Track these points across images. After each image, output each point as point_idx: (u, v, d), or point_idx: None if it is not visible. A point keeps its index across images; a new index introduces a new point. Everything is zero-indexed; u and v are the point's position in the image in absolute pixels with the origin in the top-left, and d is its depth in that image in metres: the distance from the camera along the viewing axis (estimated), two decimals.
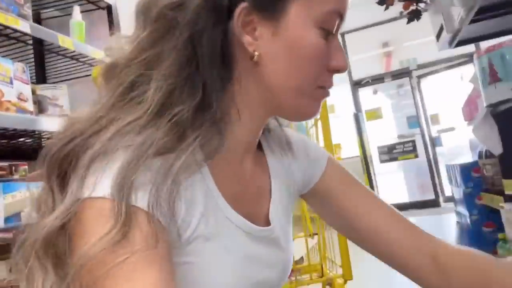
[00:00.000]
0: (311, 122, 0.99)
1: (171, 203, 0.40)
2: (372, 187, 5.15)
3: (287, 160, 0.61)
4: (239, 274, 0.47)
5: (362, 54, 6.23)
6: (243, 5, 0.46)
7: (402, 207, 5.43)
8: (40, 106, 1.41)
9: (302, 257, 1.01)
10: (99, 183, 0.37)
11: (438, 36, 1.16)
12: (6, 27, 1.12)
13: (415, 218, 4.80)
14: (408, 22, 1.39)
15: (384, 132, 6.01)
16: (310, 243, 0.89)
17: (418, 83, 5.97)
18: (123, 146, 0.39)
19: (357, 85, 6.10)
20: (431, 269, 0.58)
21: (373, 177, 5.37)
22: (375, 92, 6.36)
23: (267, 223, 0.54)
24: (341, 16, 0.48)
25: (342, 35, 6.15)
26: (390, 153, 5.87)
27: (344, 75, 6.14)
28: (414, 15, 1.37)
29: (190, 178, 0.44)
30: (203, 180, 0.46)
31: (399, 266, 0.60)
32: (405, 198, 5.82)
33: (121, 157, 0.38)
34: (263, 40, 0.47)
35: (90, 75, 1.72)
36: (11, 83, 1.06)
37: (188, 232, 0.43)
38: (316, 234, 0.93)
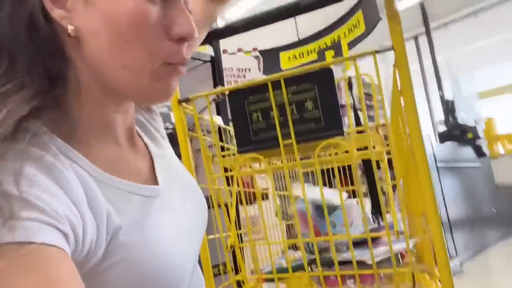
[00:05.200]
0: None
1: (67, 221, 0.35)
2: None
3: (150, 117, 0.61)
4: (172, 237, 0.45)
5: None
6: None
7: None
8: None
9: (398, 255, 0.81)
10: None
11: None
12: None
13: None
14: None
15: None
16: (398, 244, 0.71)
17: None
18: None
19: None
20: None
21: None
22: None
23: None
24: None
25: None
26: None
27: None
28: None
29: (83, 182, 0.39)
30: (91, 177, 0.41)
31: None
32: None
33: None
34: (76, 12, 0.41)
35: None
36: None
37: (107, 233, 0.39)
38: (403, 233, 0.73)
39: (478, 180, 3.87)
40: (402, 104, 0.79)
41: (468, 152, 3.89)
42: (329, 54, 3.11)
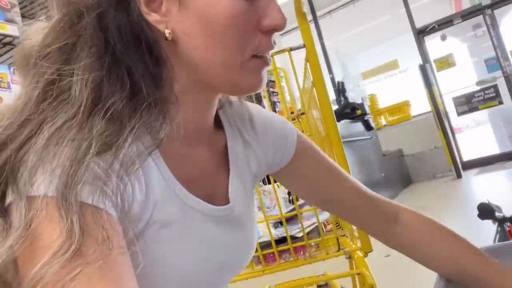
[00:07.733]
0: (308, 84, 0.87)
1: (120, 195, 0.38)
2: (449, 143, 4.70)
3: (248, 137, 0.56)
4: (198, 257, 0.46)
5: None
6: None
7: (492, 159, 4.95)
8: None
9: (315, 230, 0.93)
10: (41, 185, 0.35)
11: None
12: None
13: (508, 170, 4.31)
14: None
15: (459, 81, 5.43)
16: (323, 215, 0.82)
17: (494, 19, 5.22)
18: (62, 148, 0.36)
19: (421, 33, 5.53)
20: (392, 231, 0.64)
21: (449, 133, 4.89)
22: (443, 38, 5.73)
23: (227, 202, 0.52)
24: None
25: None
26: (469, 103, 5.29)
27: (406, 24, 5.65)
28: None
29: (144, 164, 0.42)
30: (156, 166, 0.44)
31: (365, 229, 0.71)
32: (495, 150, 5.28)
33: (61, 162, 0.36)
34: (171, 15, 0.42)
35: None
36: (9, 87, 1.12)
37: (144, 220, 0.42)
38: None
39: (369, 150, 4.38)
40: (315, 93, 0.90)
41: (359, 127, 4.37)
42: None
